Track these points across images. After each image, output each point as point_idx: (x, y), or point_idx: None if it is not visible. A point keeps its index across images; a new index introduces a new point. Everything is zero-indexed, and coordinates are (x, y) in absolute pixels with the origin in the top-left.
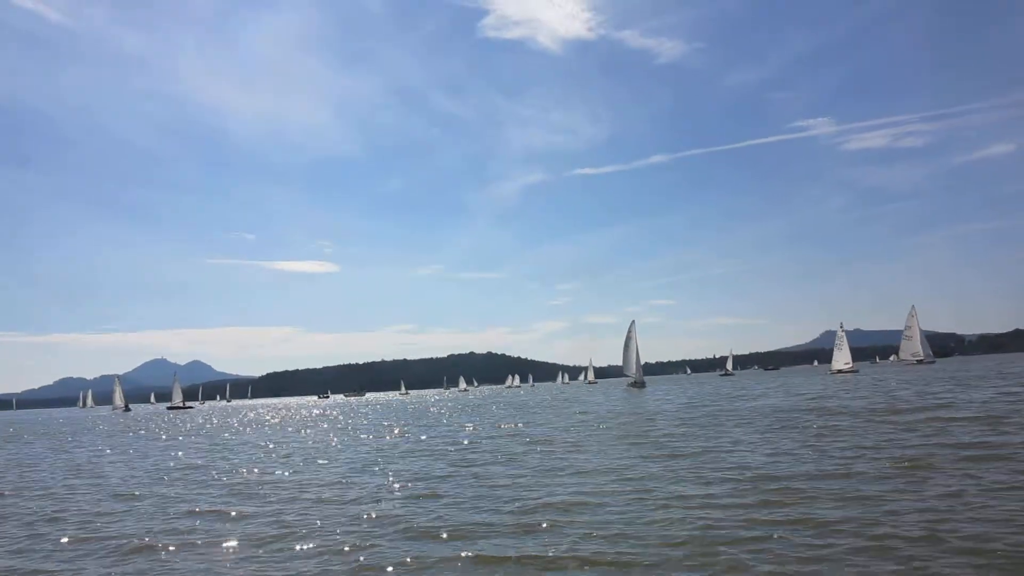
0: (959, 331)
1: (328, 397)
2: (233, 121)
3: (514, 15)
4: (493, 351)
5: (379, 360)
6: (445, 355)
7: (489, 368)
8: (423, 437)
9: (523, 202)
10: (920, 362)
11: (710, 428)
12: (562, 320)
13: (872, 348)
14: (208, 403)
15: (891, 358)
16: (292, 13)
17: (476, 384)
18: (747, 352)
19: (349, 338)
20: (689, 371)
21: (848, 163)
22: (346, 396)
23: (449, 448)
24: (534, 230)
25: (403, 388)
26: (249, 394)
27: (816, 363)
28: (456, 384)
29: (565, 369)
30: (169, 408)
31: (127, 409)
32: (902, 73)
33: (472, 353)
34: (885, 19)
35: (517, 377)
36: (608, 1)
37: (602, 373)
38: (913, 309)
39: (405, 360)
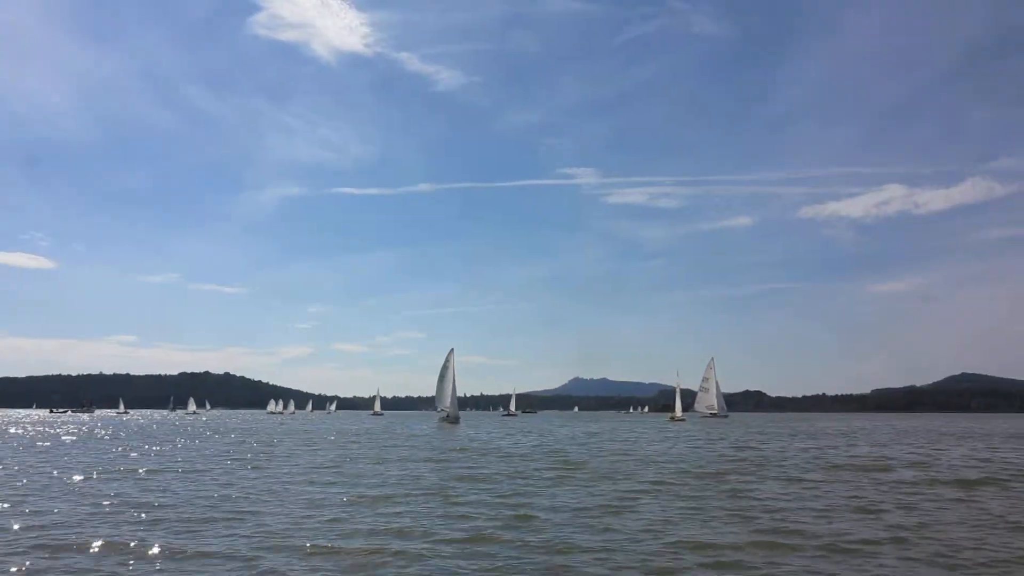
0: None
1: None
2: None
3: (288, 16)
4: (232, 372)
5: (97, 373)
6: (175, 372)
7: (226, 390)
8: None
9: (278, 215)
10: (714, 415)
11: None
12: (308, 345)
13: (619, 397)
14: None
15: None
16: None
17: (208, 407)
18: (498, 392)
19: (61, 345)
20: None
21: (610, 215)
22: (74, 411)
23: None
24: (286, 246)
25: (122, 406)
26: None
27: (577, 409)
28: (184, 405)
29: (311, 397)
30: None
31: None
32: (664, 137)
33: (207, 373)
34: (656, 84)
35: (280, 402)
36: (391, 19)
37: (351, 403)
38: (712, 362)
39: (128, 375)
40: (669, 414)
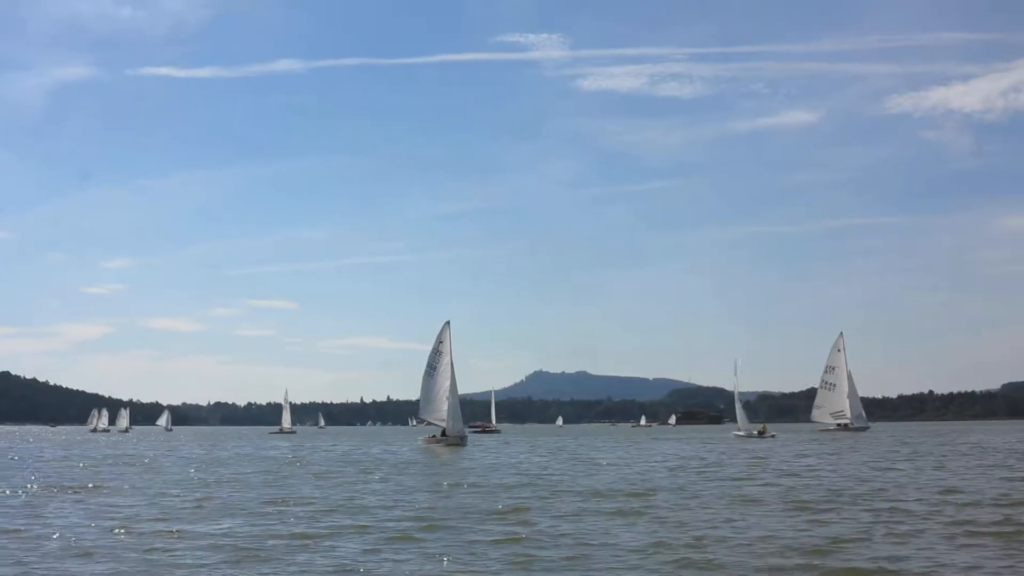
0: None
1: None
2: None
3: None
4: None
5: None
6: None
7: None
8: None
9: (52, 112)
10: (846, 427)
11: None
12: (105, 321)
13: (609, 403)
14: None
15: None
16: None
17: None
18: (411, 397)
19: None
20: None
21: (586, 110)
22: None
23: None
24: (66, 161)
25: None
26: None
27: (561, 421)
28: None
29: (115, 403)
30: None
31: None
32: None
33: None
34: None
35: (103, 414)
36: None
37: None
38: (840, 340)
39: None
40: (745, 428)
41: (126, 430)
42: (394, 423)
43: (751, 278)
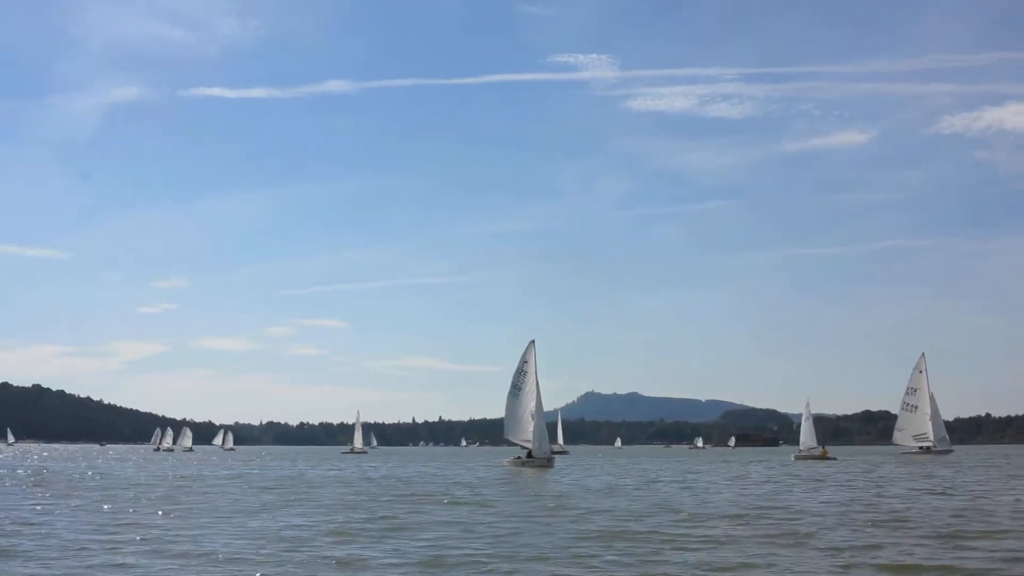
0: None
1: None
2: None
3: None
4: (44, 384)
5: None
6: None
7: (35, 412)
8: None
9: (103, 133)
10: (928, 449)
11: None
12: (158, 340)
13: (661, 424)
14: None
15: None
16: None
17: (11, 439)
18: (466, 416)
19: None
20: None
21: (636, 129)
22: None
23: None
24: (120, 182)
25: None
26: None
27: (619, 443)
28: None
29: (168, 422)
30: None
31: None
32: (723, 3)
33: (6, 385)
34: None
35: (167, 433)
36: None
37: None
38: (922, 361)
39: None
40: (803, 448)
41: (189, 449)
42: (446, 443)
43: (802, 300)
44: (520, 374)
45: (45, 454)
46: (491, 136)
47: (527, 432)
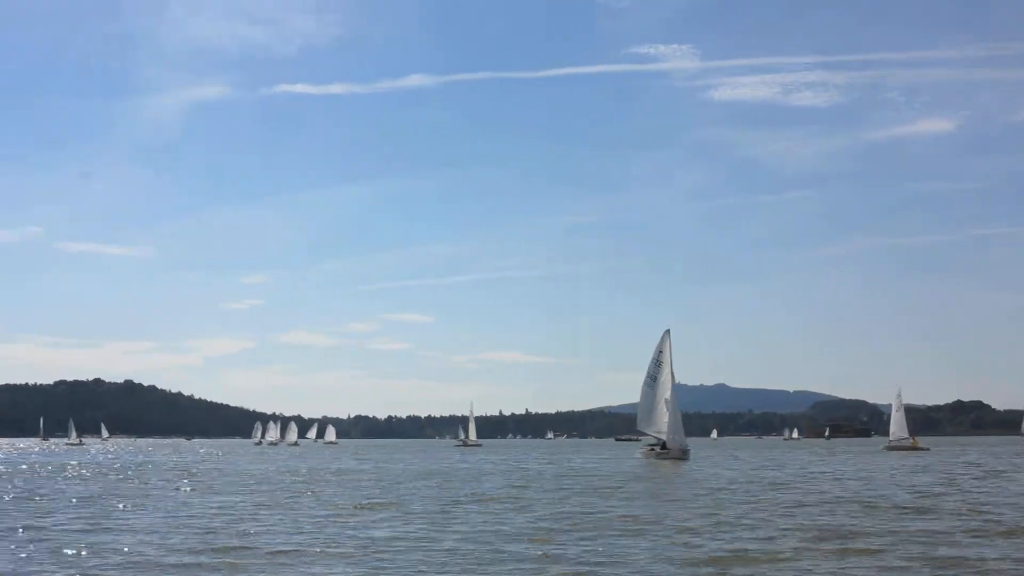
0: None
1: None
2: None
3: None
4: (135, 380)
5: None
6: (51, 381)
7: (127, 407)
8: None
9: (188, 131)
10: None
11: None
12: (243, 336)
13: (749, 415)
14: None
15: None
16: None
17: (106, 433)
18: (551, 408)
19: None
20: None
21: (717, 119)
22: None
23: None
24: (205, 180)
25: None
26: None
27: (716, 434)
28: (67, 432)
29: (257, 417)
30: None
31: None
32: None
33: (99, 381)
34: None
35: (272, 428)
36: None
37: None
38: None
39: None
40: (894, 439)
41: (295, 443)
42: (533, 436)
43: (887, 289)
44: (656, 364)
45: (150, 448)
46: (572, 129)
47: (661, 423)
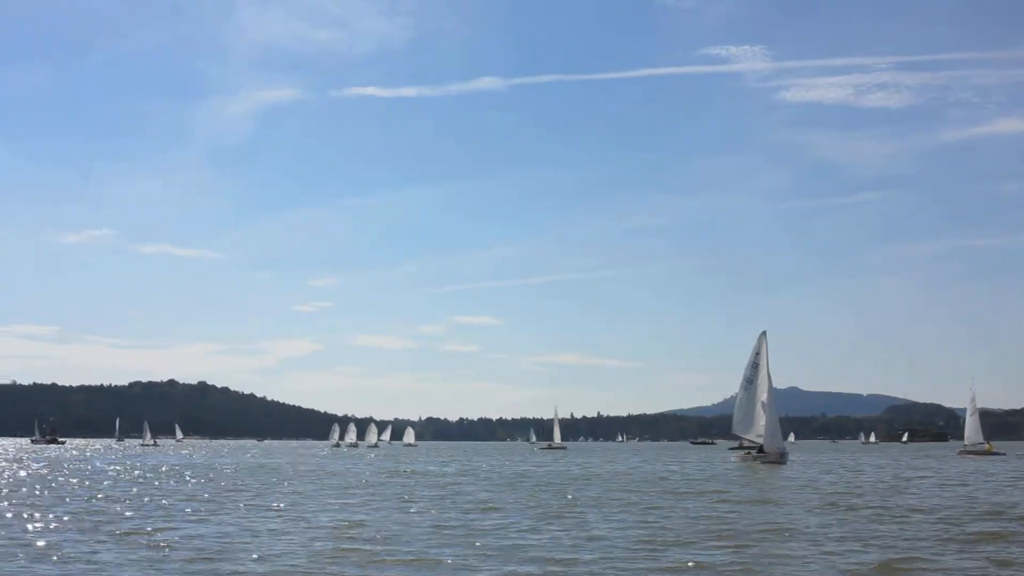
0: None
1: None
2: None
3: None
4: (209, 381)
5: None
6: (126, 383)
7: (200, 409)
8: None
9: (258, 135)
10: None
11: None
12: (312, 338)
13: (822, 419)
14: None
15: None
16: None
17: (180, 435)
18: (620, 411)
19: None
20: (625, 438)
21: (788, 121)
22: (33, 441)
23: None
24: (275, 183)
25: (37, 432)
26: None
27: (793, 438)
28: (141, 433)
29: (329, 419)
30: None
31: None
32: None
33: (172, 382)
34: None
35: (350, 431)
36: None
37: (398, 431)
38: None
39: (54, 385)
40: (968, 444)
41: (374, 445)
42: (604, 439)
43: (962, 291)
44: (752, 367)
45: (225, 450)
46: (641, 131)
47: (759, 427)
